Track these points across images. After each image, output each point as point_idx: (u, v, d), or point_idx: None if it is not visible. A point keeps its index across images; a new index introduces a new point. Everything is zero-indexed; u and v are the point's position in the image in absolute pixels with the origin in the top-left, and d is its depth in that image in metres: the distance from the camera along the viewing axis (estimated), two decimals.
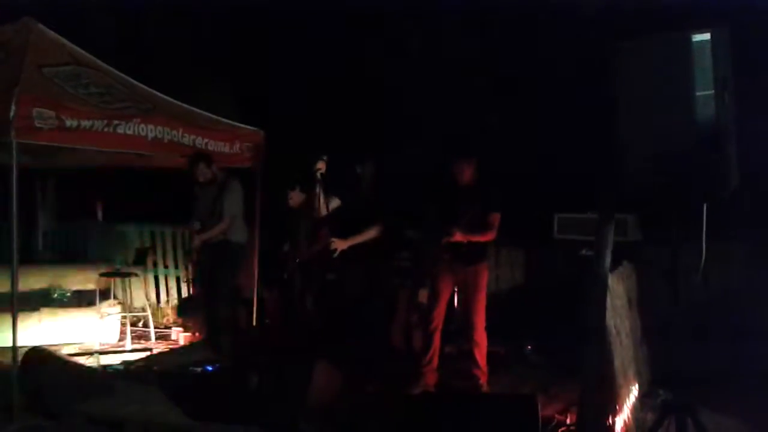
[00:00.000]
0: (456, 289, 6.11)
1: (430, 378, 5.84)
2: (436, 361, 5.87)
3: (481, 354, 5.78)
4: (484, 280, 5.86)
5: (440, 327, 5.87)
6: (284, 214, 6.82)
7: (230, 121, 7.25)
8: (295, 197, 6.62)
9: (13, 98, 5.03)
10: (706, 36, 2.95)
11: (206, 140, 6.80)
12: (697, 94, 2.94)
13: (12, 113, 5.01)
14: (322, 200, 5.92)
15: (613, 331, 4.60)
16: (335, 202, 6.12)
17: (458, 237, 5.57)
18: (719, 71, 2.97)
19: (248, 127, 7.33)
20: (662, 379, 5.34)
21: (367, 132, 8.63)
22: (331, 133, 8.37)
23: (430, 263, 5.87)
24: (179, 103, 6.89)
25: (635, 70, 3.19)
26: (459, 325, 6.19)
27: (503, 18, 8.05)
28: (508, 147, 7.64)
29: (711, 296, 5.56)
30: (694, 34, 2.97)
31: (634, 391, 5.04)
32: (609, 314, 4.41)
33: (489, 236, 5.74)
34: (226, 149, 7.03)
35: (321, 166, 5.82)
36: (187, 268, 8.81)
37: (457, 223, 5.57)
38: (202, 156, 6.72)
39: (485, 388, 5.76)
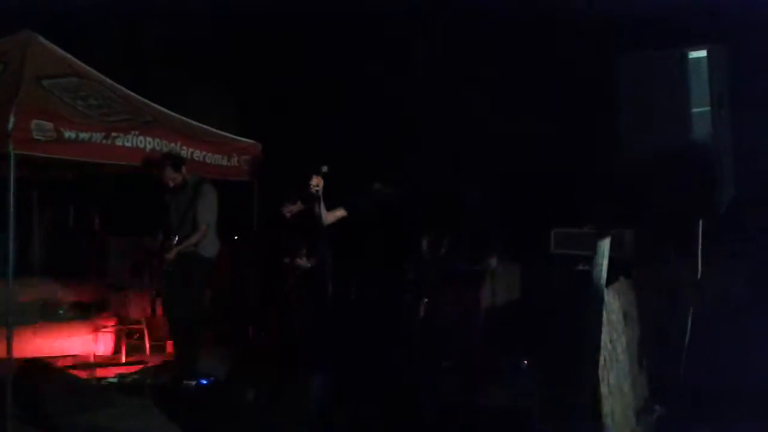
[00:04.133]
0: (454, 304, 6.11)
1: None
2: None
3: (475, 369, 5.78)
4: (483, 295, 5.87)
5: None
6: (284, 226, 6.76)
7: (228, 134, 7.27)
8: (295, 210, 6.54)
9: (11, 110, 5.04)
10: (703, 53, 2.98)
11: (204, 153, 6.80)
12: (694, 110, 2.97)
13: (10, 125, 5.02)
14: (323, 210, 5.67)
15: (609, 346, 4.60)
16: (340, 212, 5.90)
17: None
18: (716, 88, 2.99)
19: (246, 140, 7.35)
20: (659, 394, 5.33)
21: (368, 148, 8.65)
22: (333, 147, 8.36)
23: (429, 279, 5.88)
24: (178, 115, 6.91)
25: (632, 86, 3.21)
26: (455, 340, 6.19)
27: (502, 39, 8.10)
28: (506, 162, 7.66)
29: (708, 311, 5.57)
30: (691, 51, 3.00)
31: (631, 406, 5.03)
32: (605, 329, 4.41)
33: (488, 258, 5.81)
34: (224, 162, 7.03)
35: (317, 181, 5.48)
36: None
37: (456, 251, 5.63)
38: (169, 158, 6.28)
39: (481, 402, 5.75)
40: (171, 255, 6.36)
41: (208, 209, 6.41)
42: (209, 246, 6.51)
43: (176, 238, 6.36)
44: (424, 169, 8.27)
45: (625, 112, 3.21)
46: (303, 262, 6.47)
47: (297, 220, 6.57)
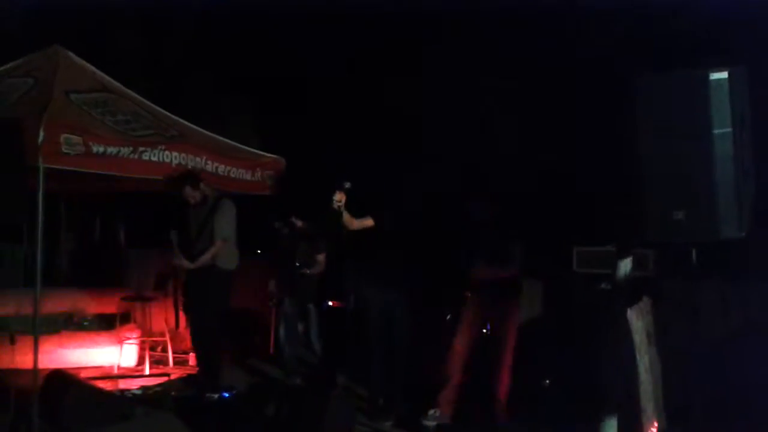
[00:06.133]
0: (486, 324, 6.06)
1: (446, 409, 5.80)
2: (455, 394, 5.83)
3: (503, 389, 5.75)
4: (515, 316, 5.83)
5: (464, 360, 5.84)
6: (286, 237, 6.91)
7: (252, 149, 7.33)
8: (299, 222, 6.71)
9: (41, 124, 5.13)
10: (724, 74, 2.97)
11: (229, 168, 6.86)
12: (715, 131, 2.96)
13: (40, 139, 5.11)
14: (348, 217, 5.63)
15: (632, 366, 4.56)
16: (368, 221, 5.86)
17: (482, 275, 5.61)
18: (737, 109, 2.98)
19: (270, 155, 7.41)
20: (682, 415, 5.27)
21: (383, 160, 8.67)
22: (350, 160, 8.38)
23: (456, 297, 5.86)
24: (203, 130, 6.99)
25: (654, 106, 3.21)
26: (483, 358, 6.14)
27: (521, 54, 8.08)
28: (528, 180, 7.63)
29: (731, 331, 5.50)
30: (712, 72, 2.99)
31: (653, 428, 4.98)
32: (628, 349, 4.38)
33: (512, 270, 5.74)
34: (248, 177, 7.09)
35: (340, 197, 5.49)
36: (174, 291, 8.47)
37: (479, 260, 5.60)
38: (188, 177, 6.39)
39: (504, 421, 5.72)
40: (184, 265, 6.57)
41: (225, 224, 6.51)
42: (228, 259, 6.59)
43: (175, 236, 6.61)
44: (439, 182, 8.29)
45: (646, 133, 3.20)
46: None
47: (300, 230, 6.73)
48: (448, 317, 5.89)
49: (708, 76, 2.98)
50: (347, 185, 5.54)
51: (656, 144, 3.17)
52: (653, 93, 3.17)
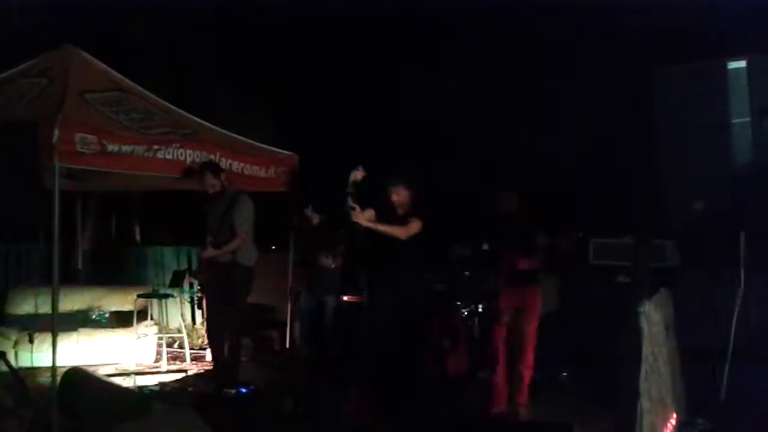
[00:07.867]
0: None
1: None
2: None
3: (527, 376, 5.75)
4: (539, 303, 5.82)
5: (505, 349, 5.82)
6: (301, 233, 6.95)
7: (266, 146, 7.33)
8: (315, 217, 6.83)
9: (56, 123, 5.15)
10: (743, 63, 2.94)
11: (243, 164, 6.86)
12: (734, 121, 2.93)
13: (55, 138, 5.12)
14: (358, 210, 5.45)
15: (650, 358, 4.53)
16: (369, 213, 5.66)
17: (522, 265, 5.61)
18: (756, 99, 2.95)
19: (283, 151, 7.40)
20: (701, 407, 5.24)
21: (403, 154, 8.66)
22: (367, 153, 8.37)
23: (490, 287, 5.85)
24: (217, 128, 7.00)
25: (672, 97, 3.18)
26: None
27: (542, 46, 8.03)
28: (544, 171, 7.59)
29: (751, 324, 5.45)
30: (731, 61, 2.96)
31: (672, 420, 4.95)
32: (646, 342, 4.34)
33: (534, 263, 5.75)
34: (262, 173, 7.08)
35: (359, 175, 5.35)
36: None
37: (508, 252, 5.61)
38: (209, 165, 6.36)
39: (524, 412, 5.71)
40: (207, 254, 6.50)
41: (244, 219, 6.46)
42: (247, 255, 6.55)
43: (211, 239, 6.48)
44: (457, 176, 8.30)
45: (664, 123, 3.18)
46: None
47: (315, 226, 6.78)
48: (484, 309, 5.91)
49: (726, 65, 2.94)
50: (361, 169, 5.44)
51: (674, 134, 3.14)
52: (671, 83, 3.15)
